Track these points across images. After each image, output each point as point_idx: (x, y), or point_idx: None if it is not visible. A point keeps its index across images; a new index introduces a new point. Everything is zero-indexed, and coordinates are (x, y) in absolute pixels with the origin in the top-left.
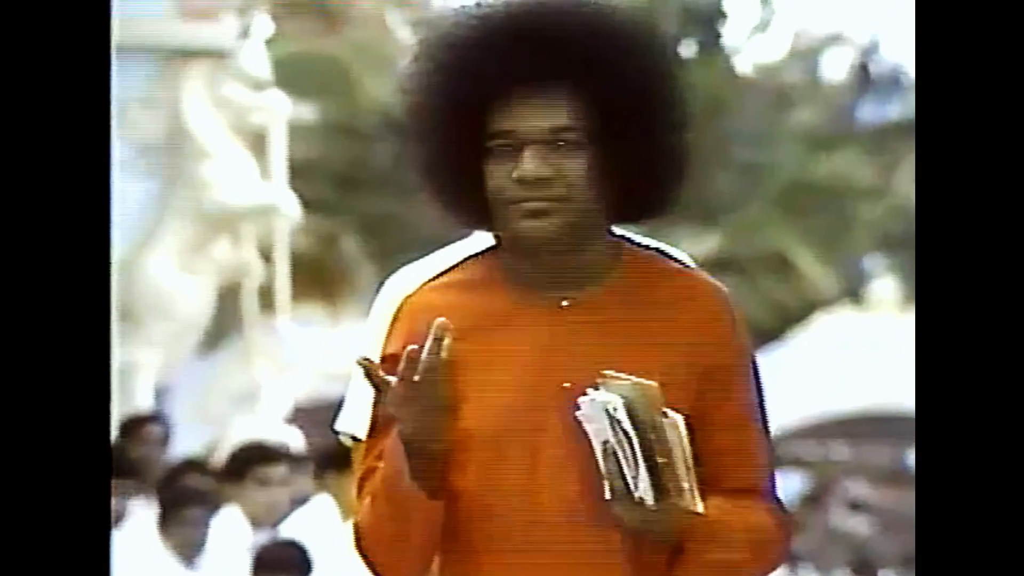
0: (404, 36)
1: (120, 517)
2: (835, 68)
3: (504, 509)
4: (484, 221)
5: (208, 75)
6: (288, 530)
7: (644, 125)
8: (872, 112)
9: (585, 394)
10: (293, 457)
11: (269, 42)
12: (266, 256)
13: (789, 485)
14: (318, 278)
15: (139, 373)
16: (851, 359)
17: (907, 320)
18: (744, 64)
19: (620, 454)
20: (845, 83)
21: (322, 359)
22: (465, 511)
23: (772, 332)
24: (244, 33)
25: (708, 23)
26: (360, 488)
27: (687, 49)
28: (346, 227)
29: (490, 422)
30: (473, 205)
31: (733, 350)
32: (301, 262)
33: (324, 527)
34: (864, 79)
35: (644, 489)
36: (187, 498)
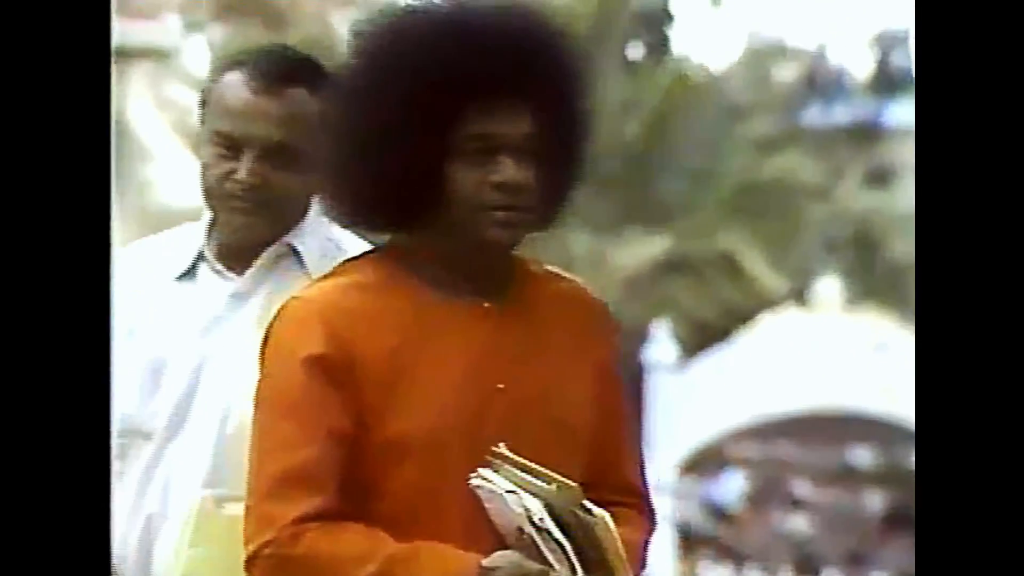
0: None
1: None
2: (783, 72)
3: (442, 511)
4: (405, 223)
5: (150, 75)
6: None
7: (579, 136)
8: (818, 116)
9: (487, 479)
10: None
11: (211, 41)
12: None
13: (733, 484)
14: None
15: None
16: (795, 359)
17: (850, 320)
18: (692, 68)
19: (544, 549)
20: (792, 86)
21: None
22: (404, 513)
23: (719, 332)
24: (185, 32)
25: (655, 25)
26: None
27: (634, 51)
28: None
29: (430, 424)
30: (416, 206)
31: (617, 353)
32: None
33: None
34: (810, 83)
35: None
36: None
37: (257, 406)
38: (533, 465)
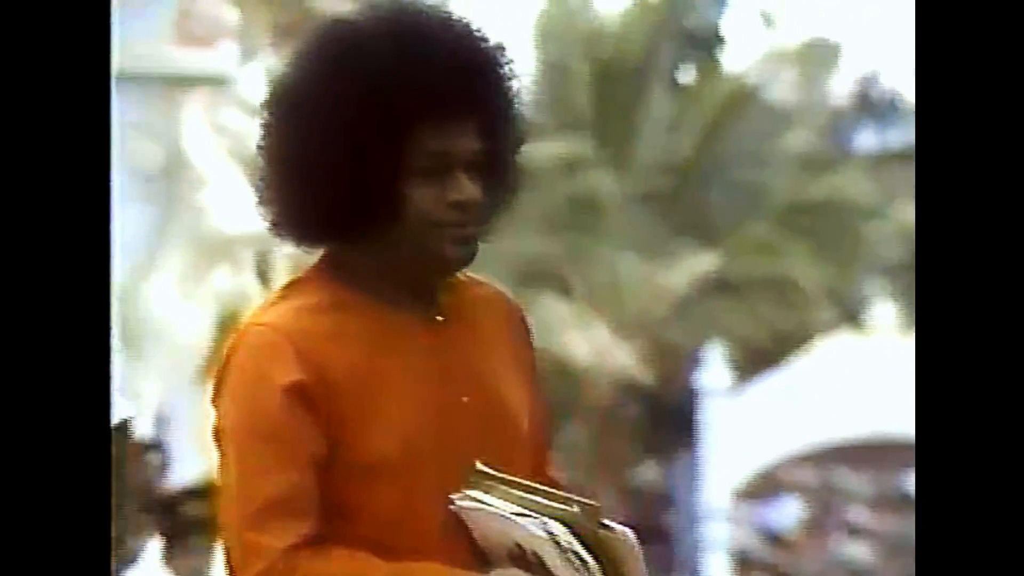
0: None
1: (134, 556)
2: (834, 92)
3: (417, 530)
4: (353, 237)
5: (207, 101)
6: None
7: (516, 148)
8: (871, 137)
9: (478, 499)
10: None
11: (268, 67)
12: (265, 282)
13: (789, 510)
14: None
15: (138, 401)
16: (851, 384)
17: (907, 344)
18: (743, 87)
19: (558, 571)
20: (845, 107)
21: None
22: (379, 533)
23: (771, 357)
24: (242, 59)
25: (706, 47)
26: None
27: (685, 74)
28: None
29: (402, 442)
30: (369, 222)
31: (533, 351)
32: None
33: None
34: (863, 104)
35: None
36: (189, 527)
37: (229, 435)
38: (531, 484)
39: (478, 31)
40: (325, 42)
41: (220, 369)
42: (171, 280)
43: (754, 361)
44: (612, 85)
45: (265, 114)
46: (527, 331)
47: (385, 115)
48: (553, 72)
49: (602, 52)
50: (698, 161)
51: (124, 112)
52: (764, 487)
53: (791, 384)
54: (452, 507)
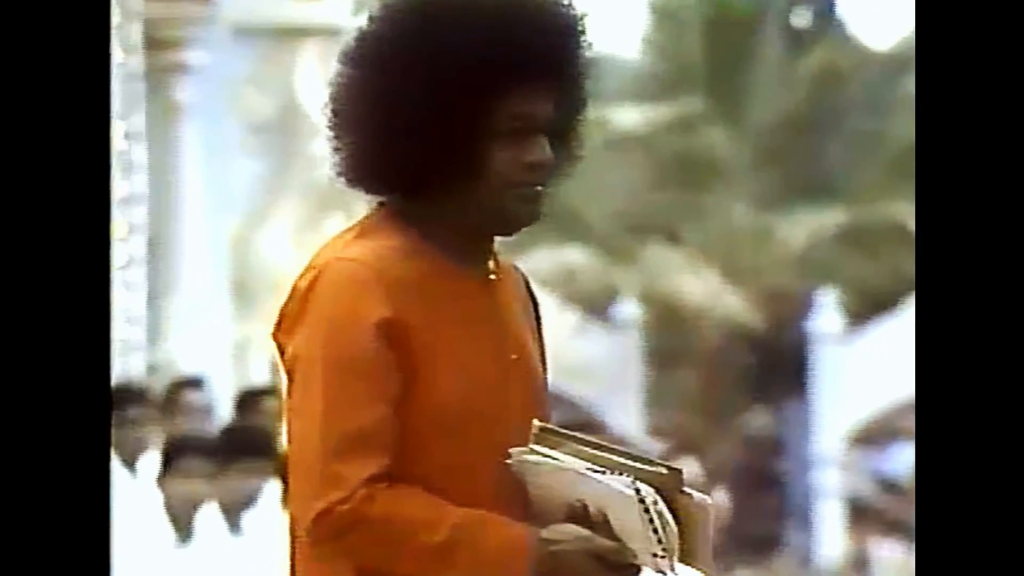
0: None
1: (252, 499)
2: None
3: (473, 479)
4: (430, 192)
5: (320, 53)
6: None
7: (583, 117)
8: None
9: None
10: None
11: None
12: None
13: (903, 457)
14: None
15: (254, 348)
16: None
17: None
18: (858, 32)
19: (634, 532)
20: None
21: None
22: (437, 480)
23: (884, 301)
24: (355, 10)
25: None
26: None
27: (800, 18)
28: None
29: (465, 393)
30: (450, 178)
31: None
32: None
33: None
34: None
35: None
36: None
37: (313, 364)
38: (605, 443)
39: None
40: (419, 3)
41: (299, 300)
42: (285, 230)
43: (867, 306)
44: (724, 34)
45: (347, 66)
46: (535, 300)
47: (477, 78)
48: (665, 22)
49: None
50: (813, 111)
51: (238, 66)
52: (877, 433)
53: (905, 329)
54: (511, 461)
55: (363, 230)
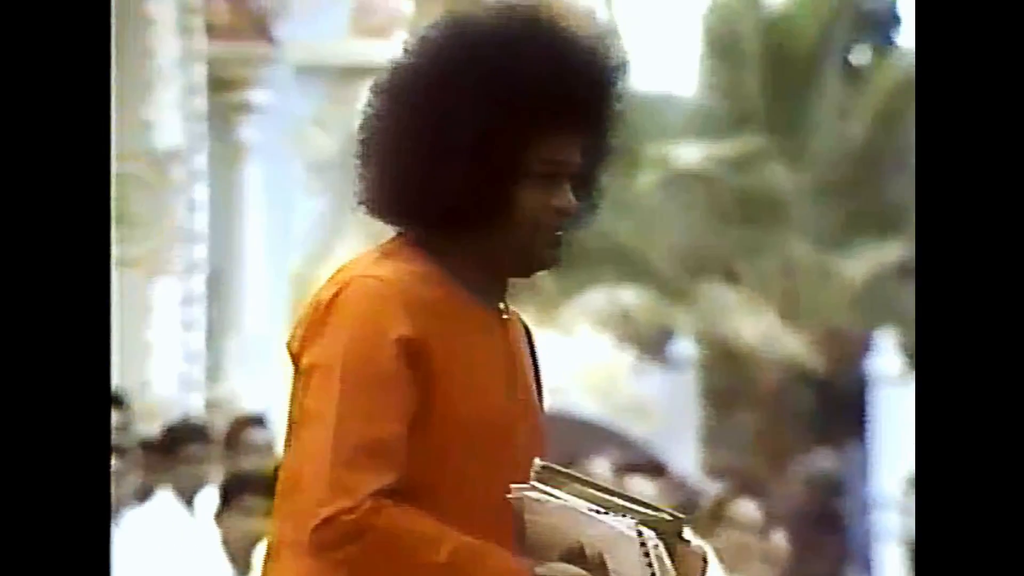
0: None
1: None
2: None
3: (475, 510)
4: (456, 229)
5: None
6: None
7: (606, 165)
8: None
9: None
10: None
11: None
12: None
13: None
14: None
15: None
16: None
17: None
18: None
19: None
20: None
21: None
22: (441, 504)
23: None
24: None
25: (882, 28)
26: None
27: (861, 55)
28: None
29: (473, 428)
30: (478, 217)
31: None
32: None
33: None
34: None
35: None
36: None
37: (332, 373)
38: (608, 486)
39: (606, 45)
40: (461, 38)
41: (320, 312)
42: None
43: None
44: (784, 70)
45: (381, 98)
46: (536, 357)
47: (517, 119)
48: (725, 57)
49: (774, 36)
50: (873, 147)
51: (301, 106)
52: None
53: None
54: (513, 496)
55: (385, 253)
